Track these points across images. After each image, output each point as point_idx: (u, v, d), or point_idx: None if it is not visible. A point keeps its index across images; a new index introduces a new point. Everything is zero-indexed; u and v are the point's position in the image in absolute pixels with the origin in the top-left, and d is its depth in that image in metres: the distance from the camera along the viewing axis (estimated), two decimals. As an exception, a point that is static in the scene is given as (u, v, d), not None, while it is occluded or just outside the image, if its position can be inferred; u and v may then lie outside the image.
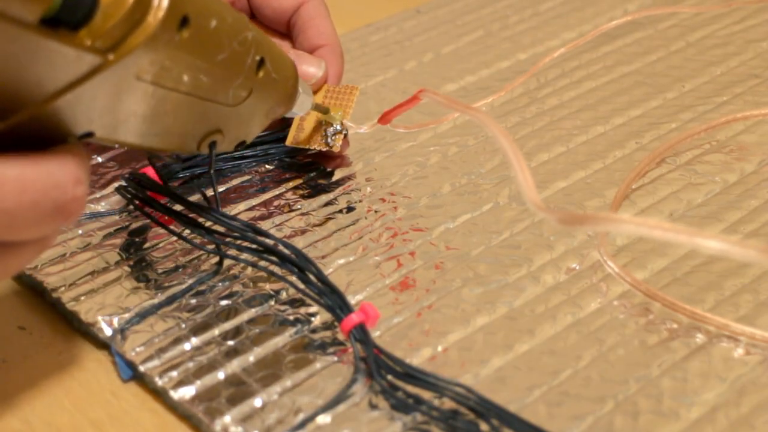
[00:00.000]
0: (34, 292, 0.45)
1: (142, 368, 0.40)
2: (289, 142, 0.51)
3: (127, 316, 0.42)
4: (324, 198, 0.50)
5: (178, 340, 0.41)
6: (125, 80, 0.34)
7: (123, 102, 0.35)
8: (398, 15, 0.69)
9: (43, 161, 0.33)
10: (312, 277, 0.41)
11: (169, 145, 0.39)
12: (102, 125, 0.35)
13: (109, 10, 0.32)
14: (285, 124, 0.52)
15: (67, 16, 0.31)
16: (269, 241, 0.42)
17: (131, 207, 0.48)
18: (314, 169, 0.52)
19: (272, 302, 0.43)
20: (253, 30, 0.40)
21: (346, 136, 0.51)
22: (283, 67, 0.43)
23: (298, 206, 0.49)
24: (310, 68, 0.51)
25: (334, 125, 0.51)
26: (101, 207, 0.49)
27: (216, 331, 0.42)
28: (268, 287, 0.44)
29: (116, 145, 0.39)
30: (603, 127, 0.55)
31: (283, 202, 0.50)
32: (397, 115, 0.49)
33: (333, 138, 0.51)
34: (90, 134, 0.35)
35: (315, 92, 0.52)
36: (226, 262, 0.45)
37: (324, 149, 0.51)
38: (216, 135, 0.41)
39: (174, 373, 0.40)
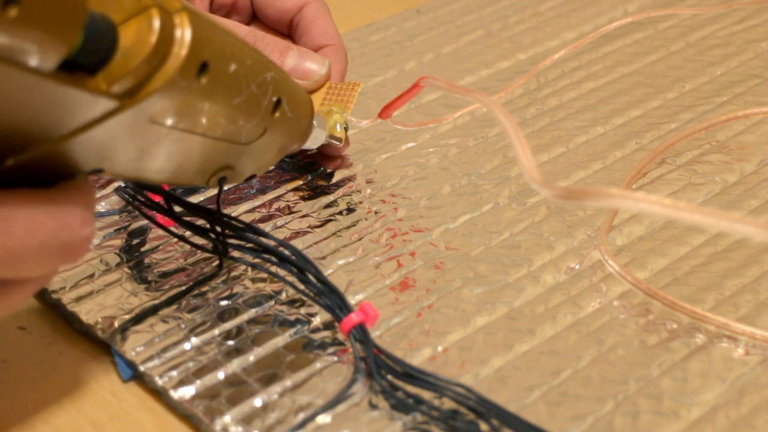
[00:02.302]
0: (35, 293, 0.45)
1: (142, 368, 0.40)
2: None
3: (127, 317, 0.42)
4: (324, 199, 0.50)
5: (178, 341, 0.41)
6: (139, 123, 0.33)
7: (135, 143, 0.34)
8: (398, 15, 0.69)
9: (53, 202, 0.32)
10: (311, 277, 0.41)
11: (180, 181, 0.39)
12: (112, 163, 0.34)
13: (127, 53, 0.32)
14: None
15: (85, 60, 0.31)
16: (269, 242, 0.42)
17: (131, 207, 0.48)
18: (314, 171, 0.52)
19: (272, 302, 0.43)
20: (272, 70, 0.39)
21: (345, 132, 0.51)
22: (299, 105, 0.42)
23: (299, 208, 0.49)
24: (313, 65, 0.51)
25: (335, 120, 0.51)
26: (101, 207, 0.49)
27: (216, 331, 0.42)
28: (268, 288, 0.44)
29: (124, 179, 0.38)
30: (603, 128, 0.55)
31: (283, 203, 0.50)
32: (398, 107, 0.49)
33: (332, 132, 0.51)
34: (100, 170, 0.34)
35: (317, 89, 0.52)
36: (226, 263, 0.45)
37: (323, 143, 0.51)
38: (227, 171, 0.40)
39: (174, 373, 0.40)
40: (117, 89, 0.31)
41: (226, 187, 0.51)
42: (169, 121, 0.34)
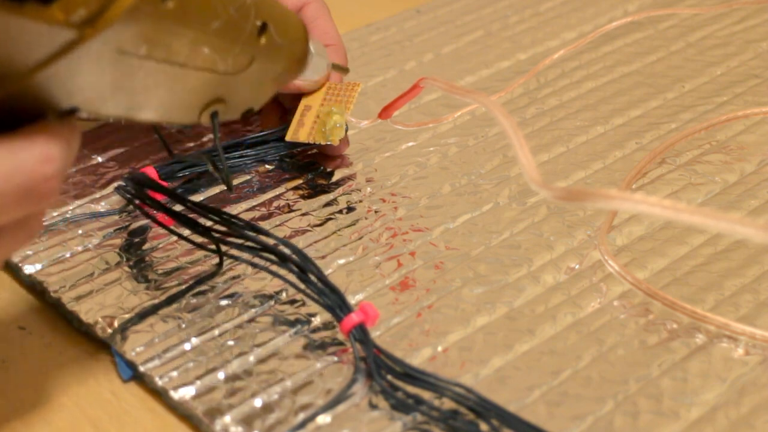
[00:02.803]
0: (34, 292, 0.45)
1: (142, 368, 0.40)
2: (288, 137, 0.51)
3: (127, 316, 0.42)
4: (324, 198, 0.50)
5: (178, 341, 0.41)
6: (106, 55, 0.31)
7: (106, 77, 0.32)
8: (398, 15, 0.69)
9: (6, 144, 0.31)
10: (312, 276, 0.41)
11: (166, 118, 0.37)
12: (85, 100, 0.32)
13: None
14: (285, 122, 0.52)
15: None
16: (269, 241, 0.42)
17: (131, 207, 0.48)
18: (314, 170, 0.52)
19: (272, 302, 0.43)
20: None
21: (345, 132, 0.51)
22: (289, 30, 0.40)
23: (298, 206, 0.49)
24: None
25: (334, 121, 0.51)
26: (101, 207, 0.49)
27: (216, 331, 0.42)
28: (268, 287, 0.44)
29: (109, 120, 0.36)
30: (603, 128, 0.55)
31: (283, 202, 0.50)
32: (398, 108, 0.49)
33: (332, 132, 0.51)
34: (74, 110, 0.32)
35: (317, 89, 0.52)
36: (227, 262, 0.45)
37: (323, 143, 0.51)
38: (218, 104, 0.38)
39: (174, 373, 0.40)
40: (76, 18, 0.29)
41: (231, 188, 0.51)
42: (140, 51, 0.32)
